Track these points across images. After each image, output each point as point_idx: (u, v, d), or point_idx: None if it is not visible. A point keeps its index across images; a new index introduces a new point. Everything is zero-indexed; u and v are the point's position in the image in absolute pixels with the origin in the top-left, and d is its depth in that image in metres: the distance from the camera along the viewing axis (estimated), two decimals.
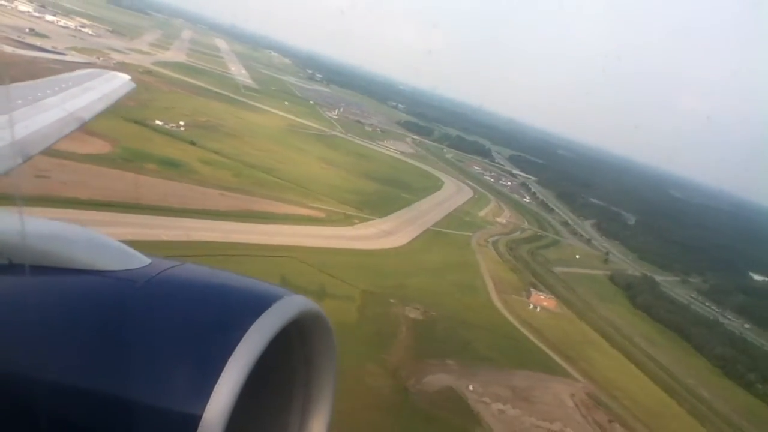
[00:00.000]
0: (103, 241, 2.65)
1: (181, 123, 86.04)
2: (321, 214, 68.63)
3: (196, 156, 72.60)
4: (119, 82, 9.22)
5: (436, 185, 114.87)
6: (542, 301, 65.98)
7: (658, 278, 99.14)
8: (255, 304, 2.17)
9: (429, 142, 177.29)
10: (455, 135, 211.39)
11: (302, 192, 73.90)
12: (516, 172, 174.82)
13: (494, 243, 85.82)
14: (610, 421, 44.67)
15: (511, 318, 58.89)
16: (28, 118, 5.80)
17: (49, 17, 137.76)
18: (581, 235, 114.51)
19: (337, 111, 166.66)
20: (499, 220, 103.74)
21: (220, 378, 1.91)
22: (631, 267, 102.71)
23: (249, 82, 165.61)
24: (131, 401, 1.94)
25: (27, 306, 2.24)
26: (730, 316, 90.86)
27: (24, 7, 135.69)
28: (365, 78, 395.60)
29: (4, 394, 2.02)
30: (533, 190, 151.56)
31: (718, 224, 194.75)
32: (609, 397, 48.86)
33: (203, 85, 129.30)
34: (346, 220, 70.51)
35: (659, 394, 54.11)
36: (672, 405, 52.65)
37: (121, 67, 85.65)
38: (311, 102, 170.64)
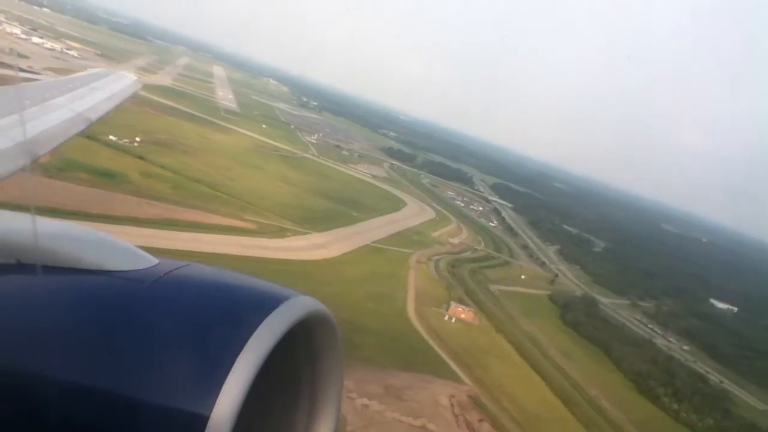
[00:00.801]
0: (110, 242, 2.70)
1: (137, 139, 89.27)
2: (252, 226, 70.82)
3: (138, 169, 75.53)
4: (126, 82, 9.13)
5: (395, 206, 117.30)
6: (460, 313, 67.58)
7: (606, 300, 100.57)
8: (263, 305, 2.18)
9: (408, 167, 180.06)
10: (438, 162, 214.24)
11: (241, 206, 76.36)
12: (492, 198, 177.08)
13: (436, 261, 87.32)
14: (480, 420, 46.18)
15: (418, 327, 60.62)
16: (36, 118, 5.74)
17: (35, 39, 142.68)
18: (538, 258, 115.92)
19: (316, 135, 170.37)
20: (452, 240, 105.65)
21: (228, 377, 1.91)
22: (579, 288, 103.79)
23: (232, 106, 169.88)
24: (140, 400, 1.94)
25: (35, 306, 2.25)
26: (670, 338, 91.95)
27: (12, 29, 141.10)
28: (365, 107, 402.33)
29: (13, 393, 2.02)
30: (504, 215, 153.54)
31: (696, 255, 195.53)
32: (492, 400, 50.27)
33: (180, 107, 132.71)
34: (279, 233, 72.63)
35: (553, 401, 55.51)
36: (562, 411, 53.98)
37: None
38: (292, 126, 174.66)
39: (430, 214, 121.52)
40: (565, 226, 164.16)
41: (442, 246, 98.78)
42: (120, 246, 2.64)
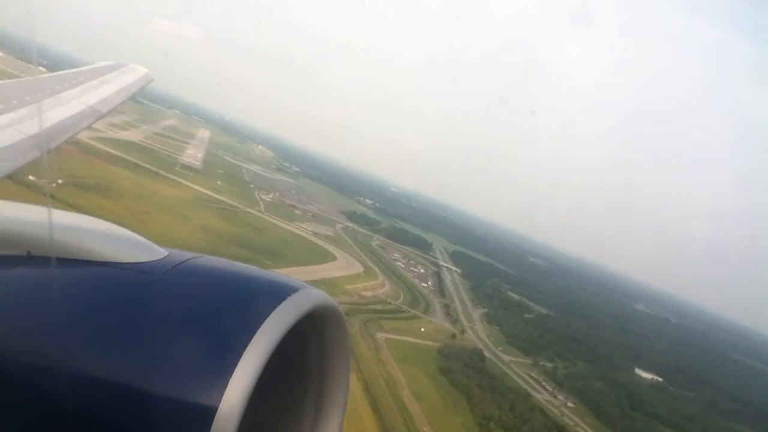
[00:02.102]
0: (121, 233, 2.71)
1: (59, 181, 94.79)
2: None
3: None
4: (137, 75, 9.16)
5: (321, 259, 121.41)
6: None
7: (506, 357, 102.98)
8: (271, 297, 2.19)
9: (364, 230, 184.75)
10: (401, 228, 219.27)
11: None
12: (443, 264, 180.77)
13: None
14: None
15: None
16: (47, 111, 5.75)
17: None
18: (455, 317, 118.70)
19: (273, 195, 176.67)
20: (365, 293, 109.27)
21: (236, 369, 1.91)
22: (483, 345, 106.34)
23: (195, 163, 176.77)
24: (148, 391, 1.94)
25: (46, 297, 2.23)
26: (559, 396, 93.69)
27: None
28: (355, 178, 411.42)
29: (24, 383, 2.03)
30: (445, 279, 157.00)
31: (648, 331, 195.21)
32: None
33: (133, 159, 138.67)
34: None
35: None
36: None
37: None
38: (252, 186, 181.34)
39: (356, 269, 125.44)
40: (510, 293, 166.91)
41: (349, 296, 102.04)
42: (130, 237, 2.68)
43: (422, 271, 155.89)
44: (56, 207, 2.53)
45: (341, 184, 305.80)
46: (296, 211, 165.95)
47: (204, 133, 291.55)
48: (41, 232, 2.42)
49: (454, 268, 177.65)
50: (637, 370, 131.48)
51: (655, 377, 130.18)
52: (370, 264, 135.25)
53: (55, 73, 7.65)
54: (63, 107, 6.12)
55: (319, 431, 2.62)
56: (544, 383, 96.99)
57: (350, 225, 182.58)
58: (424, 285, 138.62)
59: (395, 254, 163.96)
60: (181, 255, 2.51)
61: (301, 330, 2.24)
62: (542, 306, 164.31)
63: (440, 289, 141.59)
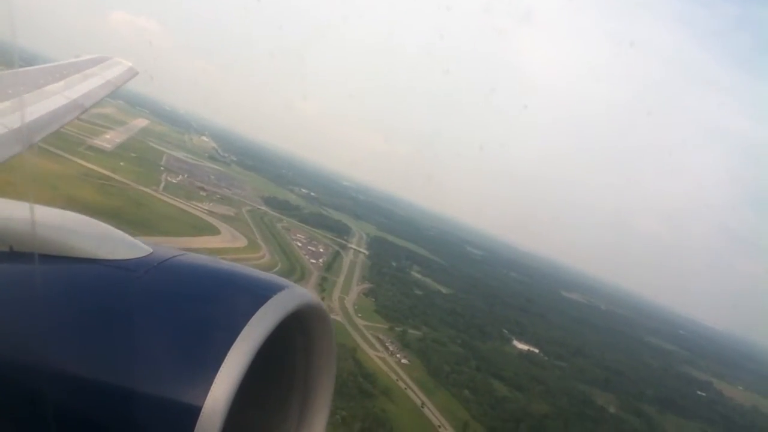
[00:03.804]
0: (104, 230, 2.70)
1: None
2: None
3: None
4: (122, 69, 9.10)
5: (200, 233, 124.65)
6: None
7: (362, 323, 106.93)
8: (256, 295, 2.18)
9: (276, 214, 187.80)
10: (320, 213, 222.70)
11: None
12: (350, 245, 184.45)
13: None
14: None
15: None
16: (30, 105, 5.64)
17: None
18: (324, 288, 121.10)
19: (181, 177, 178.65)
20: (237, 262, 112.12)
21: (221, 368, 1.89)
22: (340, 311, 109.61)
23: (105, 146, 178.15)
24: (131, 391, 1.91)
25: (27, 294, 2.21)
26: (397, 354, 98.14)
27: None
28: (300, 169, 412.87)
29: (2, 383, 1.98)
30: (345, 258, 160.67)
31: (559, 313, 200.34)
32: None
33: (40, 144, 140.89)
34: None
35: None
36: None
37: None
38: (162, 168, 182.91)
39: (240, 243, 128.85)
40: (415, 274, 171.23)
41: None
42: (114, 235, 2.66)
43: (321, 250, 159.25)
44: (40, 203, 2.54)
45: (278, 174, 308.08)
46: (202, 193, 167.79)
47: (140, 122, 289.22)
48: (24, 228, 2.40)
49: (362, 251, 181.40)
50: (515, 342, 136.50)
51: (531, 348, 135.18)
52: (259, 240, 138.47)
53: (37, 66, 7.51)
54: (46, 101, 6.00)
55: (305, 428, 2.63)
56: (388, 344, 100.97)
57: (262, 208, 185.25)
58: (313, 261, 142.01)
59: (299, 235, 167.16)
60: (166, 252, 2.51)
61: (286, 328, 2.22)
62: (444, 286, 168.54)
63: (330, 265, 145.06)
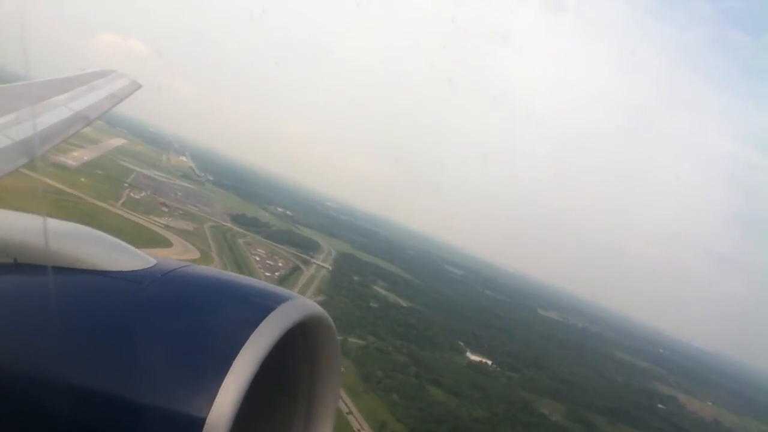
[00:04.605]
0: (108, 242, 2.75)
1: None
2: None
3: None
4: (125, 82, 9.20)
5: (151, 245, 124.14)
6: None
7: None
8: (261, 306, 2.19)
9: (240, 230, 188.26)
10: (295, 232, 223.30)
11: None
12: (315, 261, 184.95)
13: None
14: None
15: None
16: (34, 117, 5.59)
17: None
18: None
19: (145, 193, 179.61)
20: None
21: (225, 380, 1.89)
22: None
23: (71, 163, 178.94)
24: (137, 402, 1.91)
25: (32, 306, 2.20)
26: None
27: None
28: (283, 190, 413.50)
29: (7, 392, 1.97)
30: (304, 272, 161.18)
31: (529, 329, 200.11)
32: None
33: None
34: None
35: None
36: None
37: None
38: (126, 185, 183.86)
39: (191, 255, 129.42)
40: (378, 289, 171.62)
41: None
42: (118, 246, 2.71)
43: (280, 264, 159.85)
44: (43, 215, 2.59)
45: (255, 193, 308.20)
46: (163, 209, 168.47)
47: (115, 142, 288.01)
48: (28, 240, 2.43)
49: (325, 266, 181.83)
50: (468, 354, 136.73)
51: (484, 360, 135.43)
52: (213, 253, 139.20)
53: (43, 80, 7.46)
54: (51, 113, 5.97)
55: None
56: None
57: (227, 225, 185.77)
58: (268, 274, 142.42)
59: (259, 249, 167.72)
60: (170, 264, 2.54)
61: (291, 339, 2.24)
62: (406, 300, 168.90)
63: (286, 278, 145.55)
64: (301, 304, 2.31)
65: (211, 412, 1.85)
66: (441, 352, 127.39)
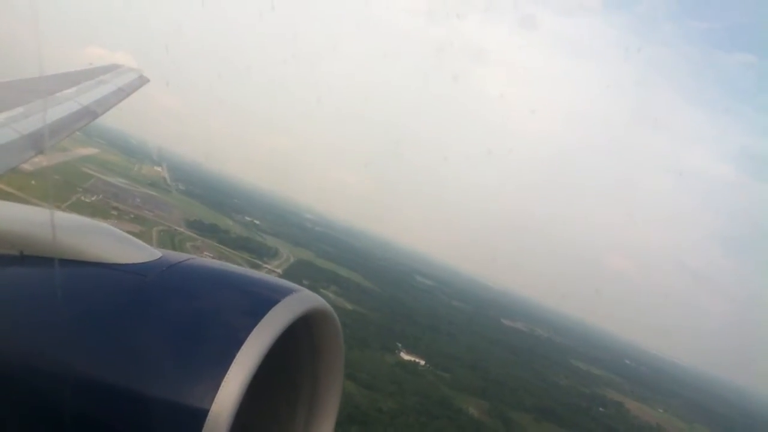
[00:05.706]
0: (114, 234, 2.76)
1: None
2: None
3: None
4: (133, 76, 9.22)
5: None
6: None
7: None
8: (265, 299, 2.21)
9: (194, 235, 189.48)
10: (255, 240, 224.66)
11: None
12: (266, 266, 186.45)
13: None
14: None
15: None
16: (43, 111, 5.58)
17: None
18: None
19: (97, 197, 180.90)
20: None
21: (229, 371, 1.90)
22: None
23: (26, 167, 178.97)
24: (140, 393, 1.93)
25: (39, 298, 2.23)
26: None
27: None
28: (261, 201, 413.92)
29: (13, 384, 2.00)
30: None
31: (459, 330, 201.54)
32: None
33: None
34: None
35: None
36: None
37: None
38: (80, 189, 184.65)
39: None
40: (330, 294, 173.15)
41: None
42: (124, 239, 2.72)
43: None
44: (49, 207, 2.58)
45: (224, 203, 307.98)
46: (113, 212, 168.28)
47: (85, 150, 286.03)
48: (34, 232, 2.47)
49: (276, 270, 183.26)
50: (402, 353, 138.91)
51: (417, 360, 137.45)
52: None
53: (50, 74, 7.41)
54: (58, 107, 6.05)
55: (313, 431, 2.68)
56: None
57: (179, 229, 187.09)
58: None
59: (206, 253, 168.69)
60: (176, 256, 2.58)
61: (294, 332, 2.26)
62: (355, 305, 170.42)
63: None
64: (305, 297, 2.35)
65: (214, 403, 1.86)
66: (370, 352, 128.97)
